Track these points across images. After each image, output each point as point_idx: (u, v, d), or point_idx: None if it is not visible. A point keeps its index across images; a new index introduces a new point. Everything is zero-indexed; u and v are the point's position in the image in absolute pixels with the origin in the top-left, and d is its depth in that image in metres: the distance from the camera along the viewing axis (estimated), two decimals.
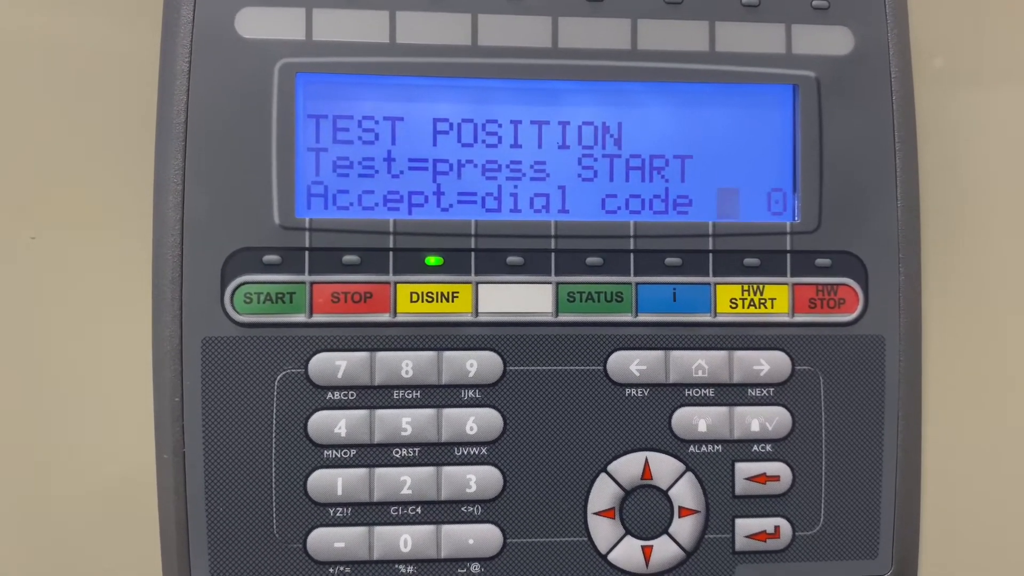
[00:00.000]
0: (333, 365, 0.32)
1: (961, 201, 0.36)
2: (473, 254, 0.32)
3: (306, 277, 0.32)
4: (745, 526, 0.33)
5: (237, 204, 0.32)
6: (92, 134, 0.34)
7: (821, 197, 0.34)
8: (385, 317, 0.32)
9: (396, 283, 0.32)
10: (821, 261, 0.34)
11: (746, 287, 0.33)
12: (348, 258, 0.32)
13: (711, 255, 0.33)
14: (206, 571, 0.31)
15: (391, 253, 0.32)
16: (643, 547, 0.33)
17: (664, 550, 0.33)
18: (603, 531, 0.33)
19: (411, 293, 0.32)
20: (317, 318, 0.32)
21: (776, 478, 0.33)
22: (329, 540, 0.32)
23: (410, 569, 0.32)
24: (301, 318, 0.32)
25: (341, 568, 0.32)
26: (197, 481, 0.31)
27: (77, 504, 0.34)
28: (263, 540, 0.32)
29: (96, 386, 0.34)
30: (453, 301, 0.32)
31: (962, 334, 0.36)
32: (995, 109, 0.37)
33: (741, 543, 0.33)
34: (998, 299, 0.36)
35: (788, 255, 0.33)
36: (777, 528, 0.33)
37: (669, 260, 0.33)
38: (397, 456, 0.32)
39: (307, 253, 0.32)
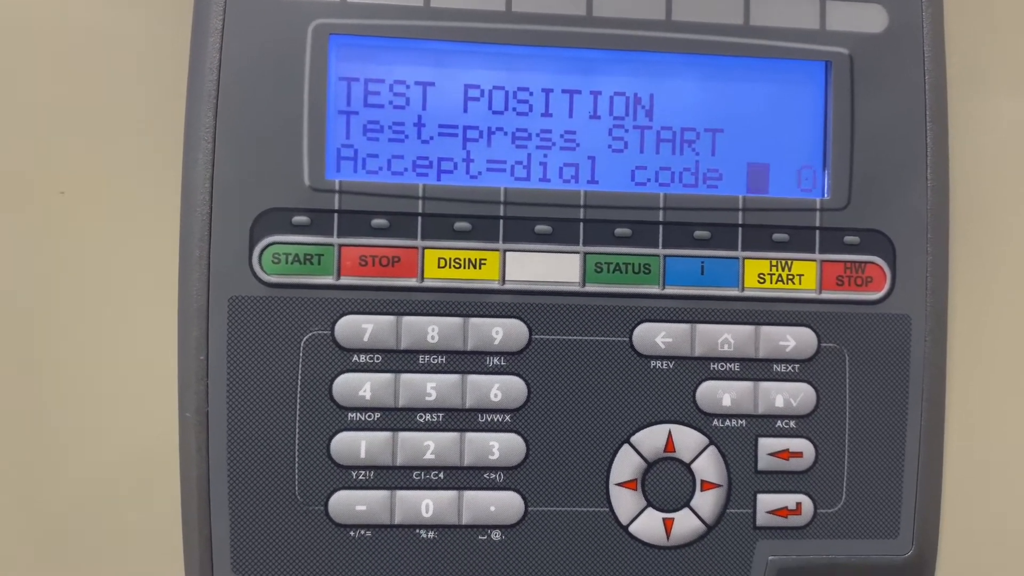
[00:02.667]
0: (359, 328, 0.32)
1: (990, 182, 0.36)
2: (501, 222, 0.32)
3: (335, 239, 0.32)
4: (767, 501, 0.33)
5: (267, 164, 0.31)
6: (123, 92, 0.34)
7: (851, 175, 0.33)
8: (412, 282, 0.32)
9: (424, 248, 0.32)
10: (850, 239, 0.33)
11: (774, 262, 0.33)
12: (377, 222, 0.32)
13: (740, 229, 0.33)
14: (227, 531, 0.31)
15: (419, 218, 0.32)
16: (664, 519, 0.33)
17: (685, 523, 0.33)
18: (625, 502, 0.33)
19: (439, 259, 0.32)
20: (345, 280, 0.32)
21: (799, 454, 0.33)
22: (351, 503, 0.32)
23: (431, 534, 0.32)
24: (329, 280, 0.32)
25: (362, 531, 0.32)
26: (220, 441, 0.31)
27: (97, 464, 0.34)
28: (285, 501, 0.31)
29: (121, 344, 0.34)
30: (480, 268, 0.32)
31: (988, 315, 0.36)
32: None
33: (762, 518, 0.33)
34: None
35: (817, 231, 0.33)
36: (799, 504, 0.33)
37: (698, 233, 0.33)
38: (421, 421, 0.32)
39: (336, 215, 0.32)
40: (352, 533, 0.32)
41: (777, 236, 0.33)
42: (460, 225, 0.32)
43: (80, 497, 0.34)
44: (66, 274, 0.33)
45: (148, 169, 0.33)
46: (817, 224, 0.33)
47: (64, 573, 0.34)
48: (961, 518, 0.35)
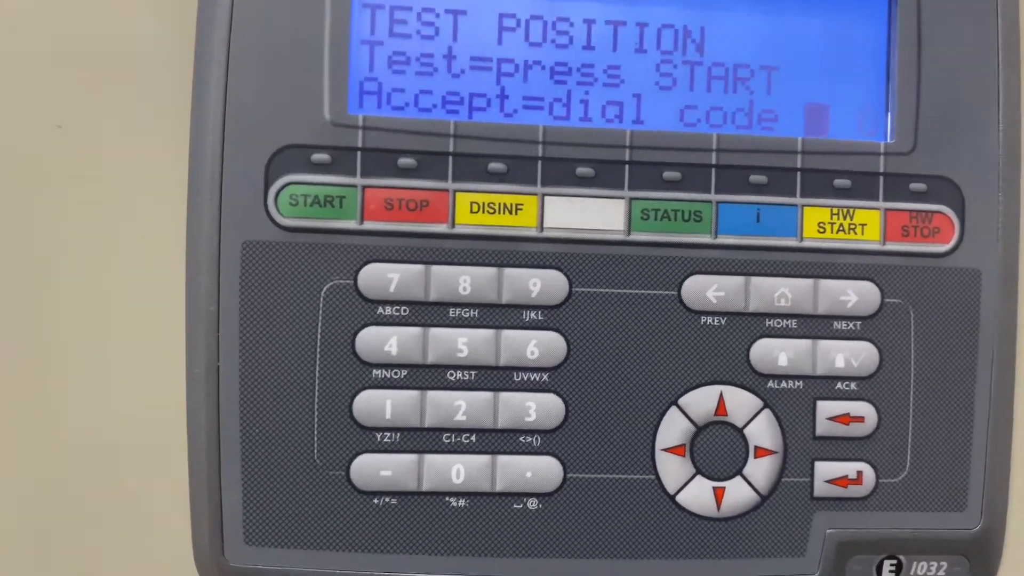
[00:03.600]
0: (385, 277, 0.29)
1: None
2: (540, 163, 0.30)
3: (358, 180, 0.29)
4: (825, 470, 0.31)
5: (284, 97, 0.29)
6: (126, 18, 0.31)
7: (917, 117, 0.31)
8: (442, 228, 0.29)
9: (455, 191, 0.30)
10: (915, 186, 0.31)
11: (835, 211, 0.31)
12: (404, 161, 0.29)
13: (799, 174, 0.31)
14: (239, 499, 0.29)
15: (450, 158, 0.30)
16: (715, 488, 0.30)
17: (737, 493, 0.30)
18: (672, 469, 0.30)
19: (471, 203, 0.30)
20: (368, 225, 0.29)
21: (860, 419, 0.31)
22: (375, 468, 0.29)
23: (462, 503, 0.29)
24: (351, 224, 0.29)
25: (387, 499, 0.29)
26: (231, 399, 0.29)
27: (98, 427, 0.31)
28: (302, 466, 0.29)
29: (125, 293, 0.31)
30: (517, 214, 0.30)
31: None
32: None
33: (820, 488, 0.31)
34: None
35: (881, 177, 0.31)
36: (860, 473, 0.31)
37: (754, 178, 0.30)
38: (451, 379, 0.30)
39: (359, 153, 0.29)
40: (376, 500, 0.29)
41: (838, 182, 0.31)
42: (494, 166, 0.30)
43: (80, 464, 0.31)
44: (64, 216, 0.31)
45: (155, 102, 0.31)
46: (881, 169, 0.31)
47: (64, 548, 0.31)
48: None
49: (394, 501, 0.29)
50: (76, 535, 0.31)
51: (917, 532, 0.31)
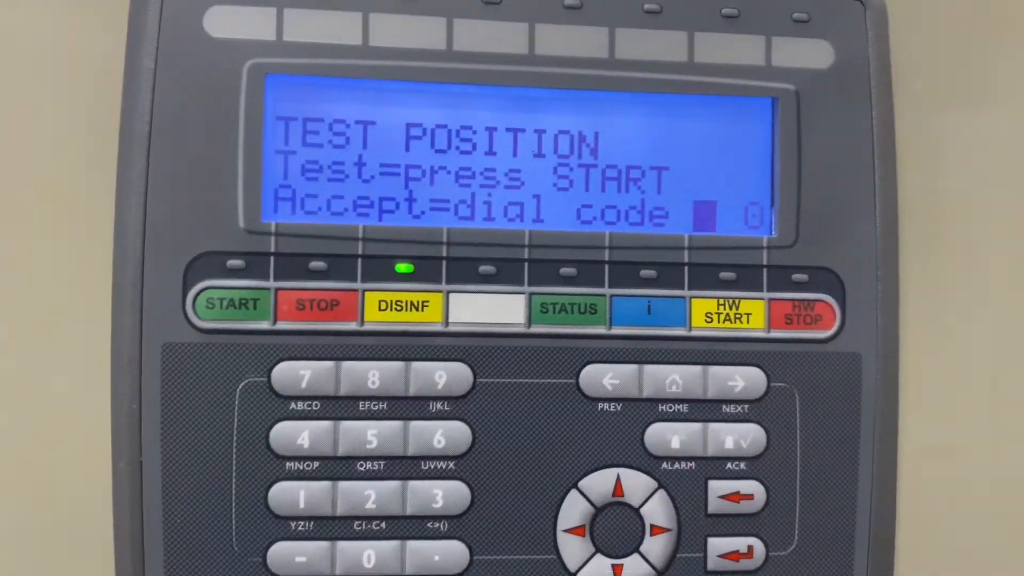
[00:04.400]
0: (297, 374, 0.31)
1: (940, 218, 0.36)
2: (444, 262, 0.32)
3: (271, 283, 0.31)
4: (718, 545, 0.32)
5: (201, 207, 0.31)
6: (53, 133, 0.33)
7: (799, 212, 0.33)
8: (352, 326, 0.31)
9: (364, 291, 0.31)
10: (798, 276, 0.33)
11: (722, 301, 0.33)
12: (315, 264, 0.31)
13: (687, 268, 0.33)
14: None
15: (359, 260, 0.31)
16: (613, 566, 0.32)
17: (635, 569, 0.32)
18: (573, 549, 0.32)
19: (379, 301, 0.31)
20: (281, 325, 0.31)
21: (750, 496, 0.32)
22: (290, 554, 0.31)
23: None
24: (265, 325, 0.31)
25: None
26: (154, 492, 0.30)
27: (27, 515, 0.32)
28: (222, 554, 0.30)
29: (53, 392, 0.32)
30: (423, 310, 0.32)
31: (939, 353, 0.36)
32: (975, 127, 0.37)
33: (713, 563, 0.32)
34: (975, 317, 0.36)
35: (765, 270, 0.33)
36: (750, 548, 0.32)
37: (644, 272, 0.32)
38: (362, 469, 0.31)
39: (272, 258, 0.31)
40: None
41: (724, 275, 0.33)
42: (402, 266, 0.32)
43: (5, 551, 0.32)
44: None
45: (80, 211, 0.32)
46: (765, 262, 0.33)
47: None
48: (915, 559, 0.35)
49: None
50: None
51: None
